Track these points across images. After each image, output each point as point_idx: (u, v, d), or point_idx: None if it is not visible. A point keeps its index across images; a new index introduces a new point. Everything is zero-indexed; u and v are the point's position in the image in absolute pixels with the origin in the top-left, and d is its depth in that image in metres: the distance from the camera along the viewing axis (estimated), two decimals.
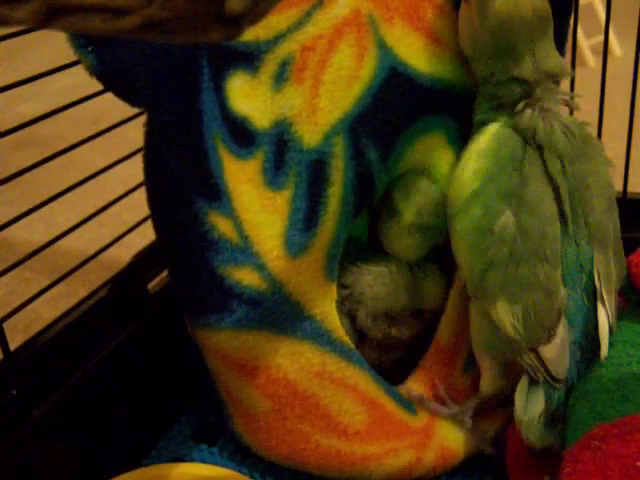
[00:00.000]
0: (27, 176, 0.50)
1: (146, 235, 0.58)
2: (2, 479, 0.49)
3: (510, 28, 0.49)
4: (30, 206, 0.52)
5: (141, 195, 0.53)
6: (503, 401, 0.55)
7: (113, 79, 0.47)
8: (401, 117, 0.54)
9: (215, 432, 0.64)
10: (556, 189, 0.50)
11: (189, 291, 0.52)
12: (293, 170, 0.51)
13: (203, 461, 0.61)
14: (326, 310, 0.54)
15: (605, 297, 0.51)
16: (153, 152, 0.50)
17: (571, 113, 0.57)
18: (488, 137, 0.51)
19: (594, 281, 0.51)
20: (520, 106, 0.50)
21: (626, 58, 1.71)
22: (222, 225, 0.50)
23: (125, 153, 0.60)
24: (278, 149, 0.51)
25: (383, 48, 0.53)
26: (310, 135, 0.51)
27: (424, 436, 0.56)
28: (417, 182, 0.56)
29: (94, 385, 0.56)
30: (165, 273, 0.64)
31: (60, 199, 0.54)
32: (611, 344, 0.51)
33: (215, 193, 0.50)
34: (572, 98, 0.53)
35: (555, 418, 0.50)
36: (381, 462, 0.54)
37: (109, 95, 0.49)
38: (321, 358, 0.53)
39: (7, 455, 0.49)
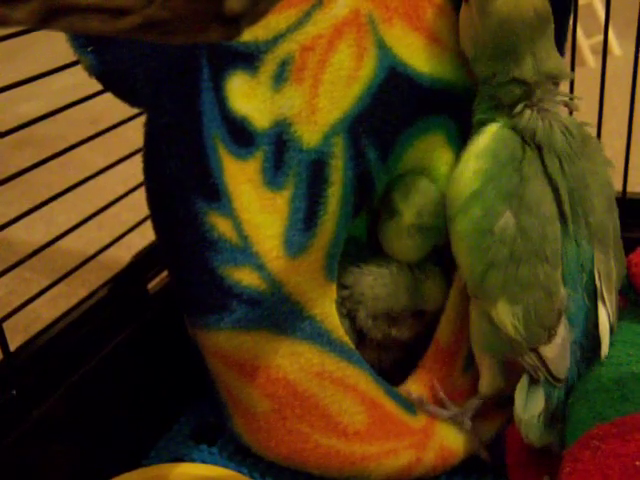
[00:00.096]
0: (27, 176, 0.51)
1: (146, 235, 0.58)
2: (2, 479, 0.49)
3: (511, 29, 0.49)
4: (30, 206, 0.52)
5: (141, 195, 0.53)
6: (502, 401, 0.55)
7: (113, 79, 0.47)
8: (400, 117, 0.54)
9: (215, 432, 0.64)
10: (556, 189, 0.50)
11: (189, 291, 0.52)
12: (293, 170, 0.51)
13: (203, 461, 0.61)
14: (326, 310, 0.54)
15: (606, 296, 0.51)
16: (153, 152, 0.50)
17: (570, 114, 0.57)
18: (487, 137, 0.51)
19: (594, 280, 0.51)
20: (519, 107, 0.50)
21: (626, 58, 1.71)
22: (222, 225, 0.50)
23: (125, 153, 0.60)
24: (278, 149, 0.51)
25: (382, 48, 0.53)
26: (310, 135, 0.51)
27: (424, 436, 0.56)
28: (417, 182, 0.56)
29: (94, 385, 0.56)
30: (165, 273, 0.64)
31: (60, 199, 0.54)
32: (611, 344, 0.51)
33: (215, 193, 0.50)
34: (571, 99, 0.53)
35: (555, 417, 0.50)
36: (381, 462, 0.54)
37: (109, 95, 0.49)
38: (321, 358, 0.53)
39: (7, 455, 0.49)
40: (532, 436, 0.49)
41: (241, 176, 0.50)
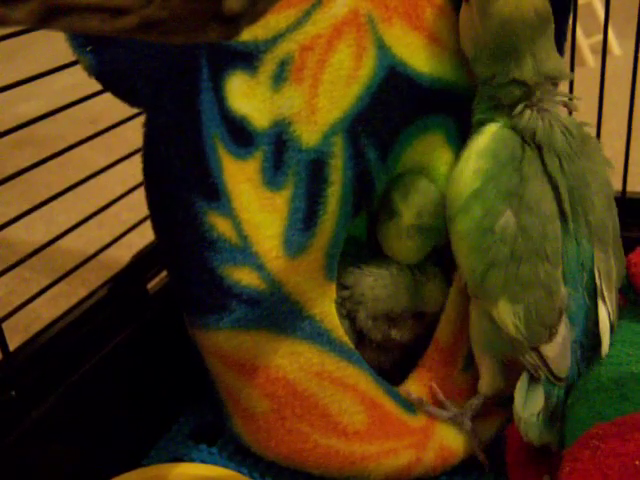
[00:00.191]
0: (26, 176, 0.51)
1: (145, 235, 0.58)
2: (2, 479, 0.49)
3: (512, 29, 0.49)
4: (30, 206, 0.52)
5: (140, 195, 0.53)
6: (502, 402, 0.55)
7: (112, 79, 0.47)
8: (400, 117, 0.54)
9: (214, 432, 0.64)
10: (556, 188, 0.50)
11: (188, 291, 0.52)
12: (292, 170, 0.51)
13: (202, 461, 0.61)
14: (325, 310, 0.54)
15: (606, 295, 0.51)
16: (152, 152, 0.50)
17: (570, 114, 0.57)
18: (487, 137, 0.51)
19: (595, 279, 0.51)
20: (519, 108, 0.50)
21: (625, 57, 1.71)
22: (221, 225, 0.50)
23: (124, 153, 0.60)
24: (277, 149, 0.51)
25: (382, 48, 0.53)
26: (309, 135, 0.51)
27: (423, 436, 0.56)
28: (416, 182, 0.56)
29: (93, 385, 0.56)
30: (164, 273, 0.64)
31: (60, 199, 0.54)
32: (610, 343, 0.51)
33: (214, 193, 0.50)
34: (571, 99, 0.53)
35: (554, 416, 0.50)
36: (380, 462, 0.54)
37: (108, 95, 0.49)
38: (320, 358, 0.53)
39: (7, 455, 0.49)
40: (531, 434, 0.49)
41: (240, 176, 0.50)
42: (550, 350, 0.50)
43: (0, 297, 0.95)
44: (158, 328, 0.62)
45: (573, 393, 0.50)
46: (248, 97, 0.50)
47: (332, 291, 0.54)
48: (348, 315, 0.58)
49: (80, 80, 0.49)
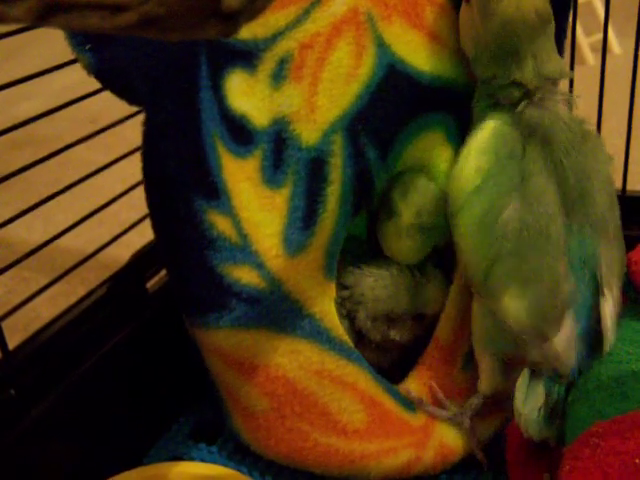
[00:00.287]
0: (25, 175, 0.50)
1: (145, 234, 0.58)
2: (2, 479, 0.49)
3: (513, 30, 0.49)
4: (29, 205, 0.52)
5: (140, 194, 0.53)
6: (502, 401, 0.55)
7: (111, 77, 0.47)
8: (400, 115, 0.54)
9: (214, 431, 0.64)
10: (557, 184, 0.50)
11: (188, 290, 0.52)
12: (292, 168, 0.51)
13: (202, 460, 0.61)
14: (325, 308, 0.54)
15: (608, 291, 0.51)
16: (151, 151, 0.50)
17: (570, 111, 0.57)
18: (487, 133, 0.51)
19: (597, 276, 0.51)
20: (521, 107, 0.50)
21: (625, 56, 1.71)
22: (221, 223, 0.50)
23: (124, 152, 0.60)
24: (277, 147, 0.51)
25: (381, 46, 0.53)
26: (309, 133, 0.51)
27: (423, 434, 0.56)
28: (415, 181, 0.56)
29: (93, 384, 0.56)
30: (164, 272, 0.64)
31: (59, 198, 0.54)
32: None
33: (214, 191, 0.50)
34: (570, 98, 0.53)
35: (554, 412, 0.50)
36: (380, 460, 0.54)
37: (107, 94, 0.48)
38: (320, 356, 0.53)
39: (6, 454, 0.49)
40: (531, 430, 0.49)
41: (240, 174, 0.50)
42: (554, 347, 0.50)
43: None
44: (157, 327, 0.62)
45: (573, 391, 0.50)
46: (247, 95, 0.50)
47: (332, 290, 0.54)
48: (348, 315, 0.58)
49: (79, 79, 0.49)
